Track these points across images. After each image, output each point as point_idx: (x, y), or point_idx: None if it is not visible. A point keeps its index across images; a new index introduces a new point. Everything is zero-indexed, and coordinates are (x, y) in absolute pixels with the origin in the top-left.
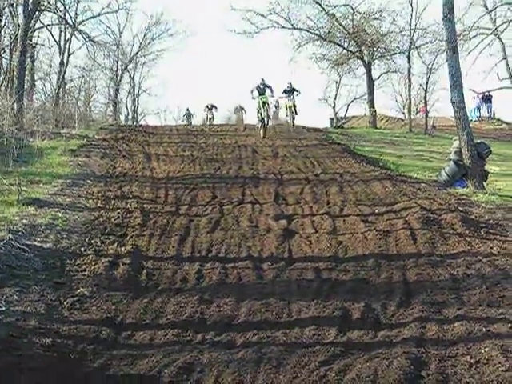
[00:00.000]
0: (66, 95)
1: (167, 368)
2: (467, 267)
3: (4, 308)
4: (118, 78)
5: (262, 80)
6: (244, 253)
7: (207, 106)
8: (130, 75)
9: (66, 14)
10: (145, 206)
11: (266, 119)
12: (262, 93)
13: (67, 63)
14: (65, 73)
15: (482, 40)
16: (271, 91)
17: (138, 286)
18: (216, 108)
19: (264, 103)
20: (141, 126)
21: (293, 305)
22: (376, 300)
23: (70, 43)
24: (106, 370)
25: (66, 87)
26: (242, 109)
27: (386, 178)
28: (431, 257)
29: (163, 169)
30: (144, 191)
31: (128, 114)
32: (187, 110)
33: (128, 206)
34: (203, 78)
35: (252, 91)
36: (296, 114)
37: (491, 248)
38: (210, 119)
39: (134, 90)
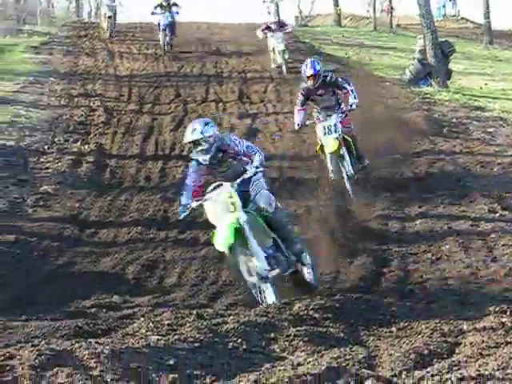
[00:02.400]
0: None
1: (131, 265)
2: (430, 166)
3: None
4: None
5: None
6: None
7: (161, 5)
8: None
9: None
10: (108, 104)
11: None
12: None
13: None
14: None
15: None
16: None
17: (102, 184)
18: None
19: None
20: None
21: None
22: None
23: None
24: (71, 267)
25: None
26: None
27: (351, 77)
28: (395, 155)
29: (126, 67)
30: (107, 89)
31: (91, 11)
32: None
33: (91, 104)
34: None
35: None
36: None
37: (454, 146)
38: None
39: None
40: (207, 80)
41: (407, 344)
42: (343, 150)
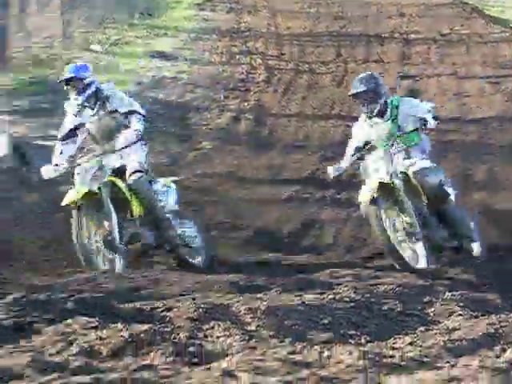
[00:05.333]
0: None
1: (287, 224)
2: None
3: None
4: None
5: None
6: None
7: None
8: None
9: None
10: (269, 62)
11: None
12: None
13: None
14: None
15: None
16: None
17: (260, 141)
18: None
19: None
20: None
21: None
22: (500, 163)
23: None
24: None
25: None
26: None
27: None
28: None
29: (288, 25)
30: (269, 47)
31: None
32: None
33: (252, 61)
34: None
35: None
36: None
37: None
38: None
39: None
40: (368, 40)
41: None
42: None
